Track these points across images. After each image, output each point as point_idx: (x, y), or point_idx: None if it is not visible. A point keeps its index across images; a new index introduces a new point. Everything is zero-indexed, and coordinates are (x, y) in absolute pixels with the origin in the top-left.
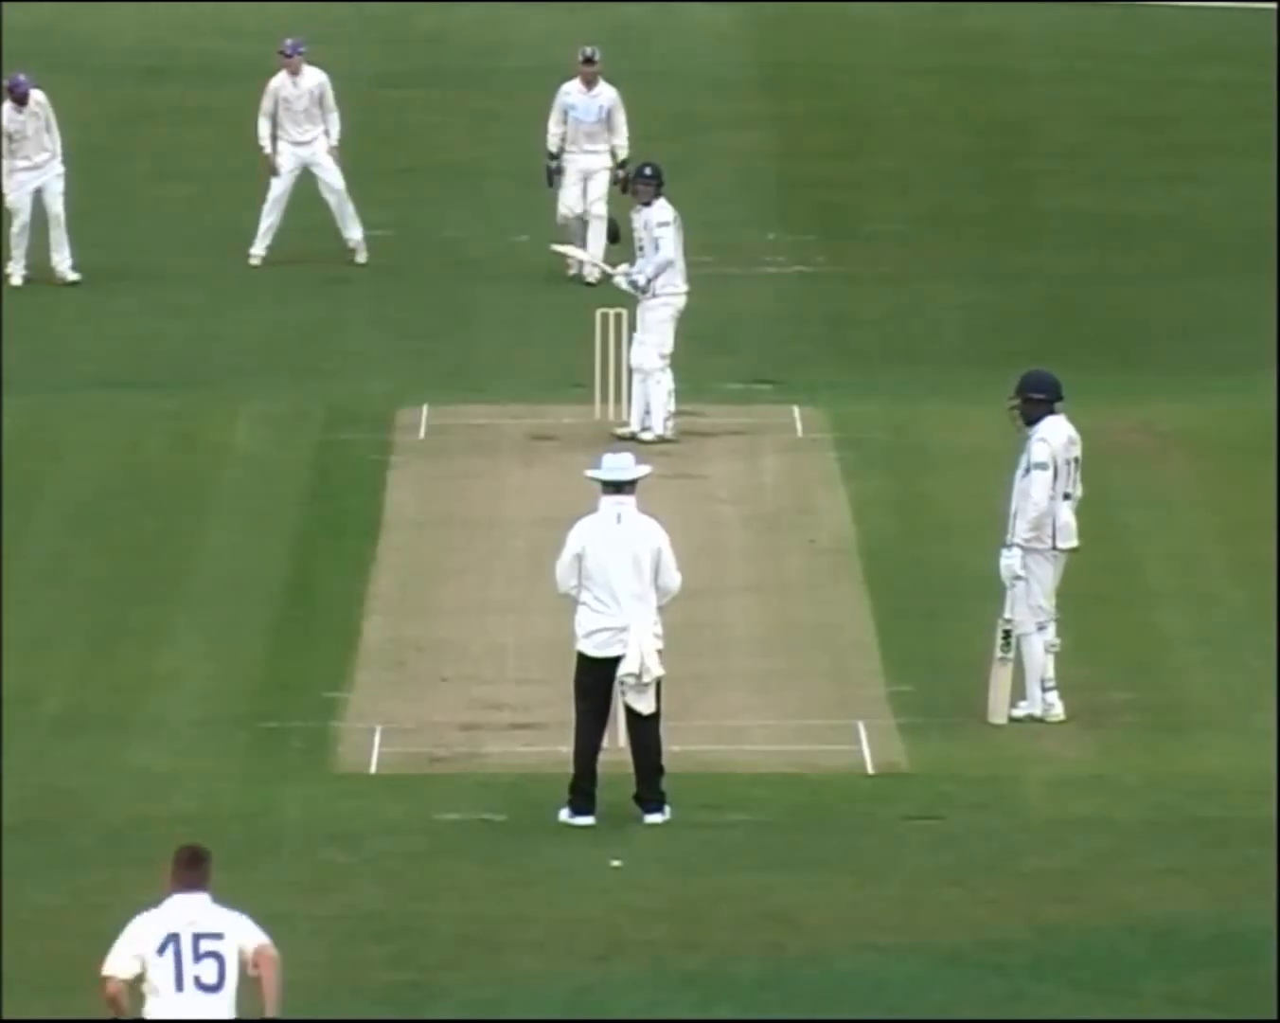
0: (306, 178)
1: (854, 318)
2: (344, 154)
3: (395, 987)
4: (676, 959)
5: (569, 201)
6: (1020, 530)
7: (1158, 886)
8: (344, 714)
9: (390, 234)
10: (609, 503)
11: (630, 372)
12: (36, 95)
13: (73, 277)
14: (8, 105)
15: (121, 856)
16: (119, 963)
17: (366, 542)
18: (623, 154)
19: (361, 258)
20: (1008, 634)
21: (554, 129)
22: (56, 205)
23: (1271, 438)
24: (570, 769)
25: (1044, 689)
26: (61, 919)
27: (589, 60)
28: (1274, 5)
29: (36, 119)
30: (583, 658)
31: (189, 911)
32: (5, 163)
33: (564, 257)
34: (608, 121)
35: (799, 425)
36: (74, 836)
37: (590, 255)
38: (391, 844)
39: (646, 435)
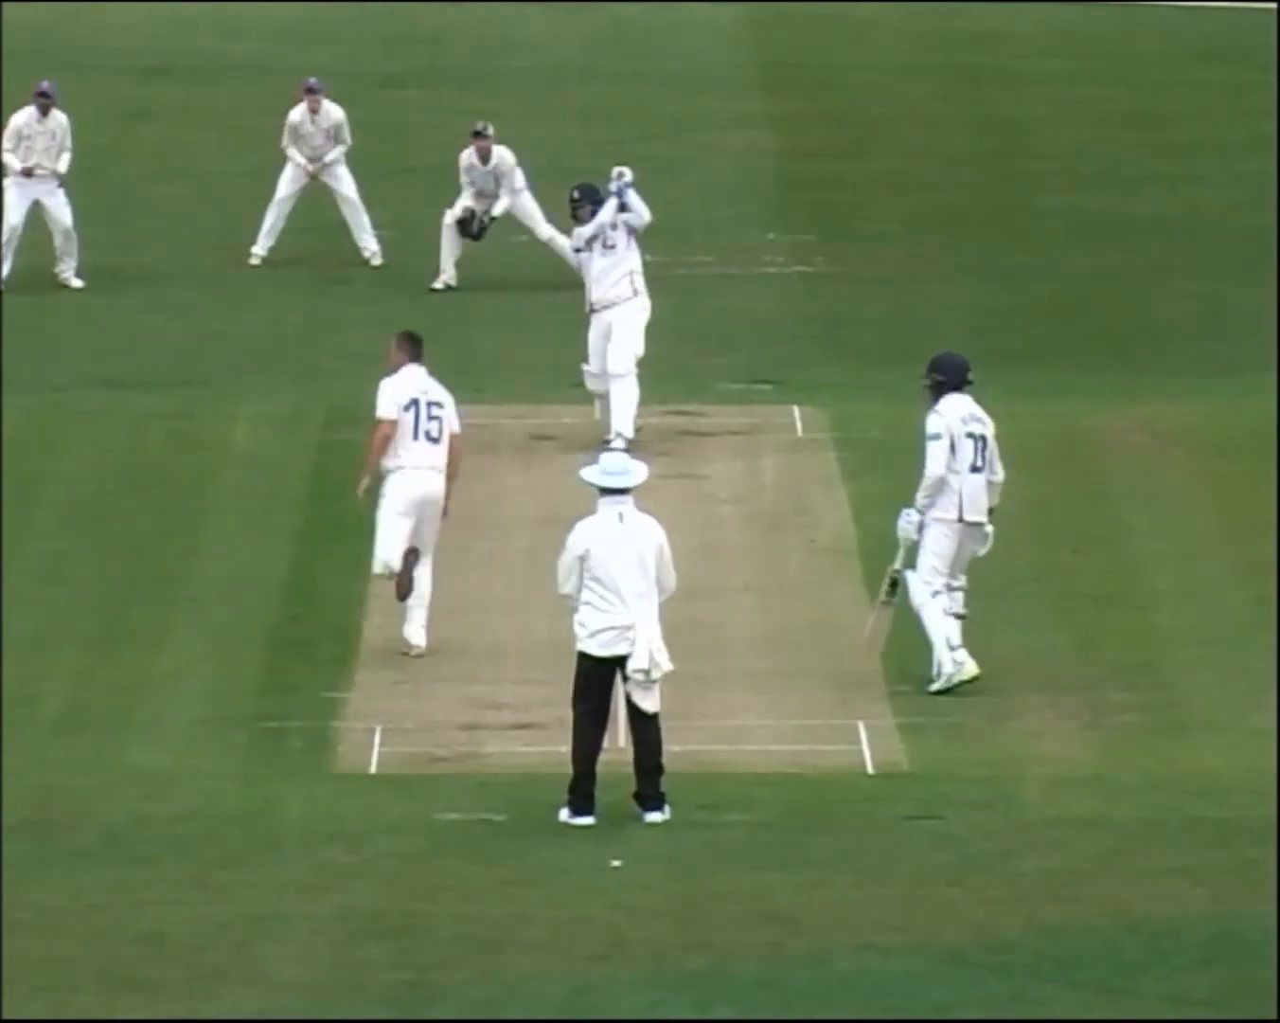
0: (315, 181)
1: (854, 318)
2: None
3: (395, 987)
4: (676, 959)
5: (464, 203)
6: (919, 497)
7: (1158, 886)
8: (344, 714)
9: (390, 234)
10: (609, 503)
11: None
12: (60, 116)
13: (76, 283)
14: (29, 110)
15: (121, 856)
16: (389, 411)
17: (366, 542)
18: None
19: (377, 262)
20: (894, 583)
21: (466, 194)
22: (66, 222)
23: (1271, 438)
24: (569, 769)
25: (951, 648)
26: (61, 919)
27: (480, 134)
28: (1274, 5)
29: (52, 138)
30: (586, 658)
31: (421, 381)
32: (7, 158)
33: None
34: (503, 184)
35: (799, 425)
36: (74, 836)
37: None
38: (391, 844)
39: (619, 442)
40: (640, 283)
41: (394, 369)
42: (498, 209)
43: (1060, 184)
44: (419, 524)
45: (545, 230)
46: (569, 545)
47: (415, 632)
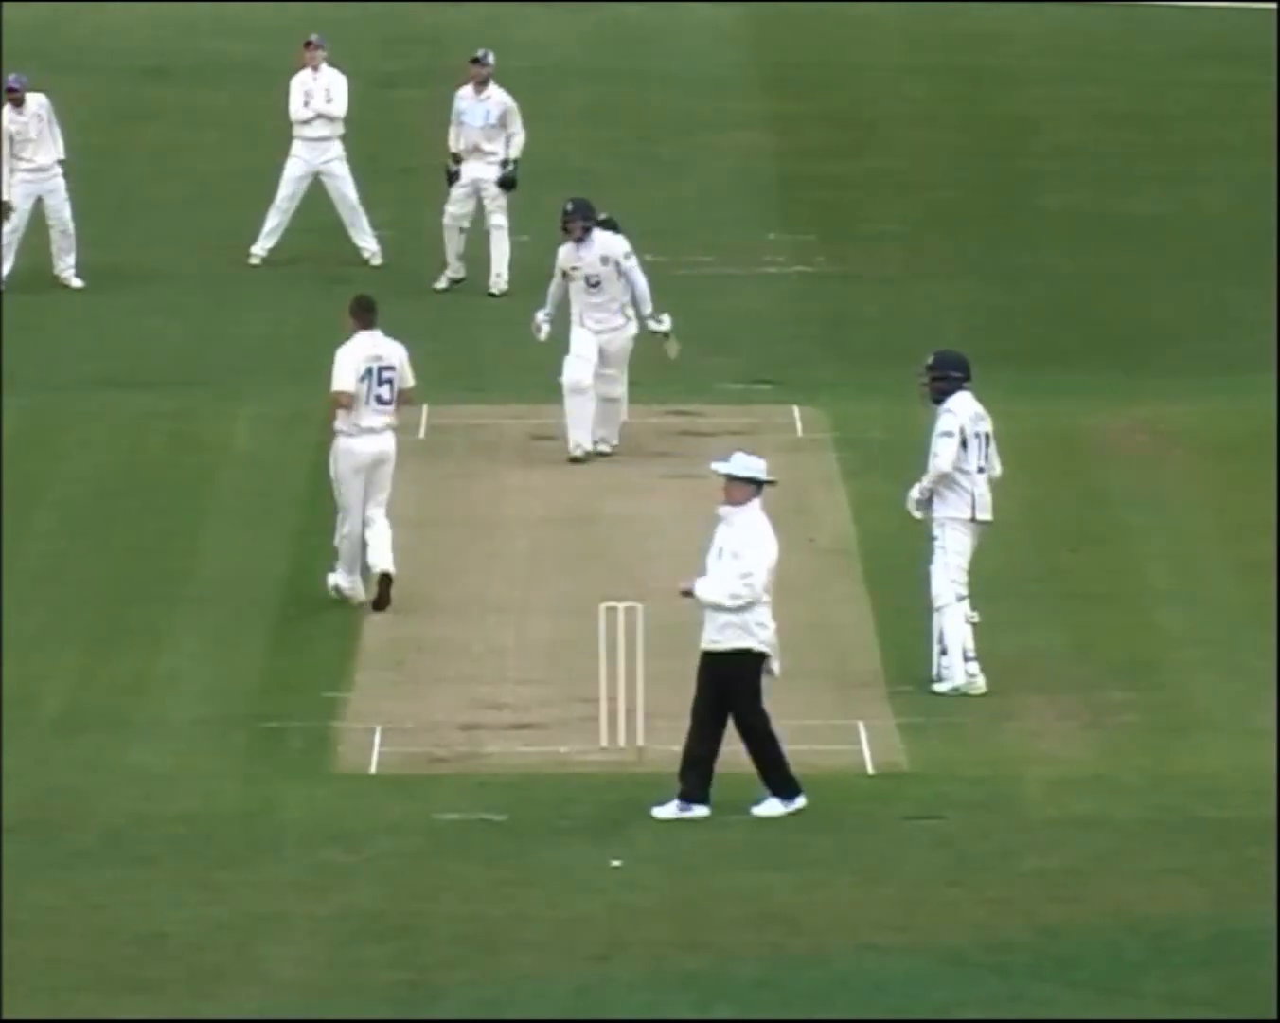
0: (315, 182)
1: (854, 318)
2: (345, 154)
3: (395, 987)
4: (676, 959)
5: (455, 212)
6: (924, 481)
7: (1158, 886)
8: (344, 714)
9: (390, 234)
10: (760, 503)
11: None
12: (38, 97)
13: (76, 283)
14: (7, 108)
15: (121, 856)
16: (347, 384)
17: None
18: (514, 154)
19: (377, 262)
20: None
21: (451, 136)
22: (64, 216)
23: (1271, 438)
24: (568, 770)
25: (966, 659)
26: (61, 919)
27: (478, 61)
28: (1274, 5)
29: (40, 121)
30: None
31: (374, 348)
32: (6, 164)
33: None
34: (501, 126)
35: (799, 425)
36: (74, 836)
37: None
38: (391, 844)
39: (604, 447)
40: (630, 311)
41: (350, 336)
42: (514, 150)
43: (1060, 184)
44: (370, 481)
45: (499, 219)
46: (772, 549)
47: (382, 559)
